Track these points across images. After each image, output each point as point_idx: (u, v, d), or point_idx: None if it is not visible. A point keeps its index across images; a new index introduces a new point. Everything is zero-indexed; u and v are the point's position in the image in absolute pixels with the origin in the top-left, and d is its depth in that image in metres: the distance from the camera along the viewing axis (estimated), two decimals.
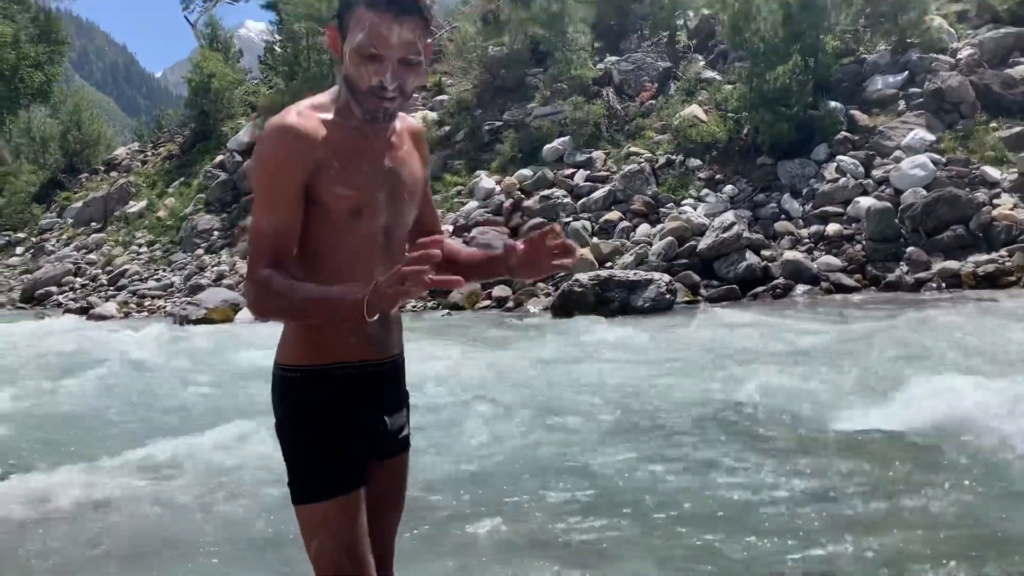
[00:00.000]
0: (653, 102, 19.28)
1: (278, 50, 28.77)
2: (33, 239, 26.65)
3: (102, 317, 17.78)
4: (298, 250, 1.93)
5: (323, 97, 2.01)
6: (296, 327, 2.02)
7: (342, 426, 2.00)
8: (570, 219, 16.15)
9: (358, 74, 1.89)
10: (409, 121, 2.15)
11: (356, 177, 1.95)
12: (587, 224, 15.91)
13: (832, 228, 14.10)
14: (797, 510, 4.37)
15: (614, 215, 16.02)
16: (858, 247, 13.67)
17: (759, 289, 13.25)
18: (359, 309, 1.70)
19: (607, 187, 16.67)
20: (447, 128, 21.53)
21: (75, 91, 41.64)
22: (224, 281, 18.71)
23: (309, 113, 1.95)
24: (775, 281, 13.28)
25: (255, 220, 1.92)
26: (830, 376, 7.32)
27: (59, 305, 20.40)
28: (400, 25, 1.84)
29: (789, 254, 13.69)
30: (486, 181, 18.37)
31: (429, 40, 1.95)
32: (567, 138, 18.51)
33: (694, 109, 17.92)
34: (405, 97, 1.94)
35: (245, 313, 15.70)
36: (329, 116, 1.95)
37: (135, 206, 25.64)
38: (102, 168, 30.24)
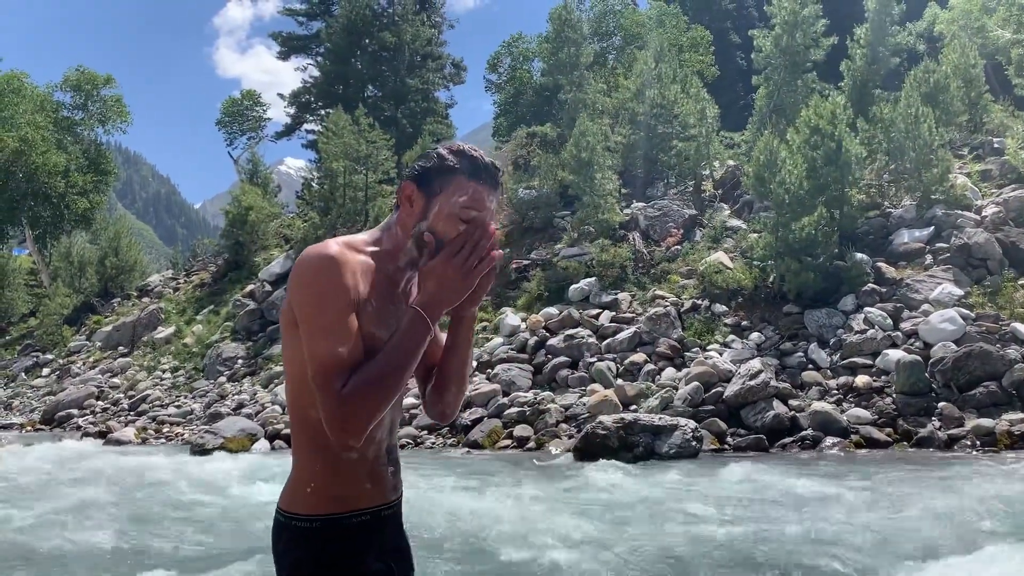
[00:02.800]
0: (679, 247, 19.54)
1: (315, 186, 29.79)
2: (60, 361, 26.89)
3: (119, 442, 17.64)
4: None
5: (358, 238, 2.03)
6: (306, 470, 1.95)
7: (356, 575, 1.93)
8: (594, 359, 16.07)
9: (448, 231, 1.97)
10: None
11: (387, 318, 1.95)
12: (612, 365, 15.81)
13: (861, 380, 13.86)
14: None
15: (639, 357, 15.91)
16: (888, 400, 13.38)
17: (787, 440, 12.91)
18: (424, 322, 1.86)
19: (632, 329, 16.65)
20: None
21: (117, 219, 43.06)
22: (243, 410, 18.60)
23: (348, 250, 1.94)
24: (803, 432, 12.95)
25: (317, 350, 1.82)
26: (859, 539, 6.99)
27: (78, 428, 20.30)
28: (493, 195, 2.02)
29: (817, 405, 13.41)
30: (512, 318, 18.45)
31: None
32: (593, 279, 18.68)
33: (720, 256, 18.10)
34: None
35: (261, 443, 15.52)
36: (366, 258, 1.97)
37: (163, 332, 25.95)
38: (135, 294, 30.84)
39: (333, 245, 1.92)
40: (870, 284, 15.71)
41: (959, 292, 14.93)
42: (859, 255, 16.29)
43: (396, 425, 2.13)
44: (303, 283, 1.86)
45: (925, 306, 14.82)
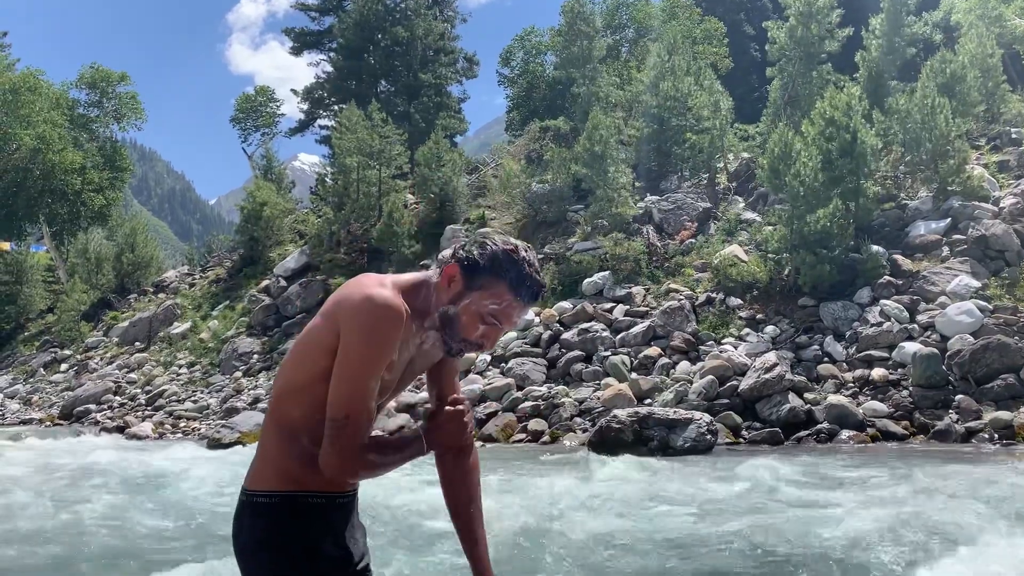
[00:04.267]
0: (693, 240, 19.48)
1: (329, 181, 29.85)
2: (78, 356, 27.10)
3: (137, 437, 17.79)
4: (314, 414, 2.02)
5: (406, 284, 2.10)
6: (270, 455, 2.09)
7: (311, 554, 2.04)
8: (608, 353, 16.06)
9: (468, 327, 2.08)
10: None
11: (398, 365, 2.11)
12: (626, 359, 15.79)
13: (877, 372, 13.79)
14: None
15: (653, 351, 15.89)
16: (904, 393, 13.30)
17: (803, 433, 12.87)
18: (423, 449, 2.08)
19: (646, 322, 16.62)
20: None
21: (133, 215, 43.32)
22: (259, 404, 18.70)
23: (403, 300, 2.03)
24: (819, 426, 12.91)
25: (355, 389, 1.97)
26: (874, 533, 6.95)
27: (96, 423, 20.48)
28: (525, 311, 2.11)
29: (833, 398, 13.36)
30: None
31: None
32: (607, 273, 18.65)
33: (734, 249, 18.03)
34: None
35: None
36: (408, 309, 2.04)
37: (179, 327, 26.11)
38: (151, 289, 31.02)
39: (397, 298, 2.01)
40: (886, 276, 15.62)
41: (976, 284, 14.82)
42: (875, 247, 16.19)
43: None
44: (365, 328, 1.97)
45: (942, 298, 14.73)
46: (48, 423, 21.70)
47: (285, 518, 2.04)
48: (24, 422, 22.13)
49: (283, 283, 24.98)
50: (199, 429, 18.25)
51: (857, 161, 16.56)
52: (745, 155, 23.10)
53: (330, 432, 1.95)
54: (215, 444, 15.22)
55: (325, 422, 1.96)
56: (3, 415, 23.35)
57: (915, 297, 15.02)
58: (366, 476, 2.08)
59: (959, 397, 12.75)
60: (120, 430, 18.87)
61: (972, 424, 12.26)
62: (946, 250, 16.01)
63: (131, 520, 8.37)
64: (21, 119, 35.62)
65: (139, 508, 8.94)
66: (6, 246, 38.31)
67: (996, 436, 11.96)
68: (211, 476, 10.94)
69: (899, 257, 16.10)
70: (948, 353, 13.41)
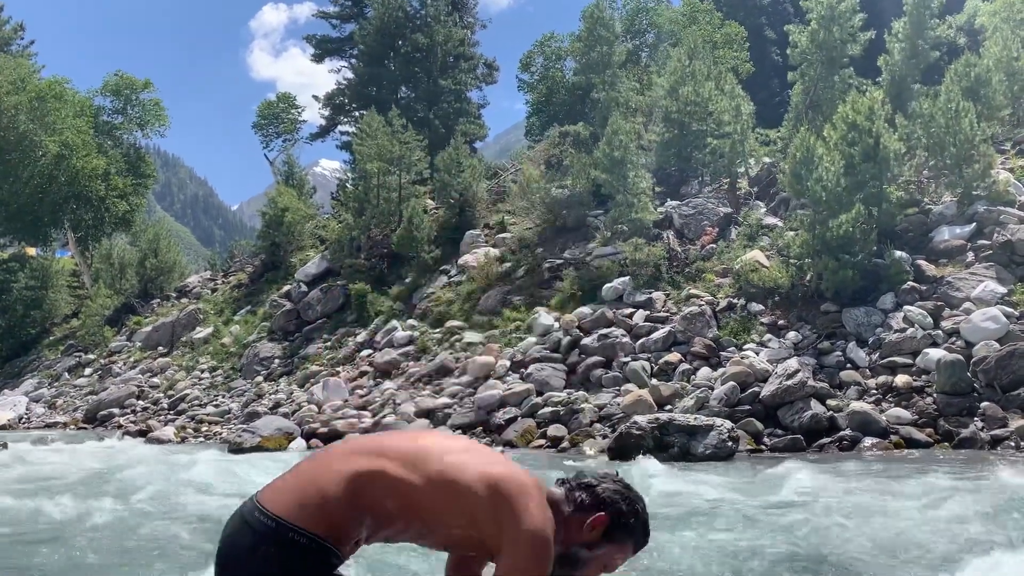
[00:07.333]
0: (714, 246, 19.37)
1: (350, 187, 30.01)
2: (102, 361, 27.39)
3: (159, 441, 17.94)
4: (407, 527, 2.30)
5: (549, 498, 2.33)
6: (330, 505, 2.20)
7: None
8: (629, 359, 16.00)
9: (592, 572, 2.38)
10: None
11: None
12: (646, 365, 15.72)
13: (901, 379, 13.64)
14: None
15: (674, 357, 15.81)
16: (929, 400, 13.15)
17: (825, 440, 12.75)
18: None
19: (667, 328, 16.54)
20: (508, 264, 21.87)
21: (156, 221, 43.75)
22: (280, 409, 18.79)
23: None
24: (841, 433, 12.79)
25: None
26: (895, 541, 6.87)
27: (119, 427, 20.67)
28: None
29: (856, 405, 13.22)
30: (545, 317, 18.42)
31: None
32: (627, 278, 18.59)
33: (756, 254, 17.91)
34: None
35: (298, 442, 15.68)
36: None
37: (201, 332, 26.31)
38: (174, 295, 31.31)
39: (552, 525, 2.24)
40: (910, 282, 15.46)
41: (1002, 290, 14.64)
42: (898, 253, 16.04)
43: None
44: (537, 560, 2.18)
45: (967, 304, 14.56)
46: (72, 427, 21.93)
47: (311, 563, 2.13)
48: (49, 426, 22.39)
49: (304, 288, 25.12)
50: (220, 433, 18.37)
51: (880, 166, 16.41)
52: (766, 160, 22.97)
53: None
54: (236, 448, 15.31)
55: None
56: (28, 419, 23.63)
57: (939, 303, 14.85)
58: None
59: (984, 404, 12.59)
60: (143, 434, 19.04)
61: (998, 432, 12.10)
62: (971, 255, 15.84)
63: (147, 523, 8.43)
64: (47, 126, 36.06)
65: (156, 511, 8.99)
66: (32, 252, 38.84)
67: (1022, 444, 11.79)
68: (230, 480, 11.00)
69: (923, 262, 15.94)
70: (973, 360, 13.25)
